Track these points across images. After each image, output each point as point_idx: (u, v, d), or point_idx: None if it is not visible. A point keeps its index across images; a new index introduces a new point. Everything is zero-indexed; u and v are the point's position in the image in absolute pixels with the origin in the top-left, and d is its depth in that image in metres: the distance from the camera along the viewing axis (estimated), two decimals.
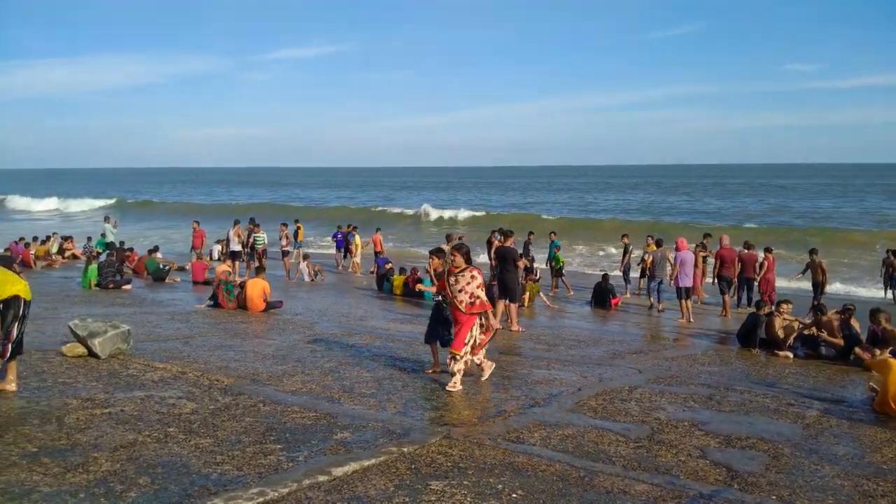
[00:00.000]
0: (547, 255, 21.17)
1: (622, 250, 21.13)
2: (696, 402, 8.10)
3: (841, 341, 11.09)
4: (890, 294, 18.81)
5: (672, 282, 15.91)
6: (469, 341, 8.19)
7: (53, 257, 23.63)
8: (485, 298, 8.22)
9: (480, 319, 8.30)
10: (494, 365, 8.80)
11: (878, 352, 10.13)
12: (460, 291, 8.14)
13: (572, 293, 19.79)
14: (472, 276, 8.15)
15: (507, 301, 12.94)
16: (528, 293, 16.45)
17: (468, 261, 8.30)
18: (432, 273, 9.07)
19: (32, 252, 22.28)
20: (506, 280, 12.97)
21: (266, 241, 22.24)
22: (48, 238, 25.99)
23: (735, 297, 17.80)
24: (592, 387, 8.67)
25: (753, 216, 50.83)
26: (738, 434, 6.89)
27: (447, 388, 8.00)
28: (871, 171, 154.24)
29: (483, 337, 8.44)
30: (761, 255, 17.44)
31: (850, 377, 9.91)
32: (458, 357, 8.12)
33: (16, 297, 7.16)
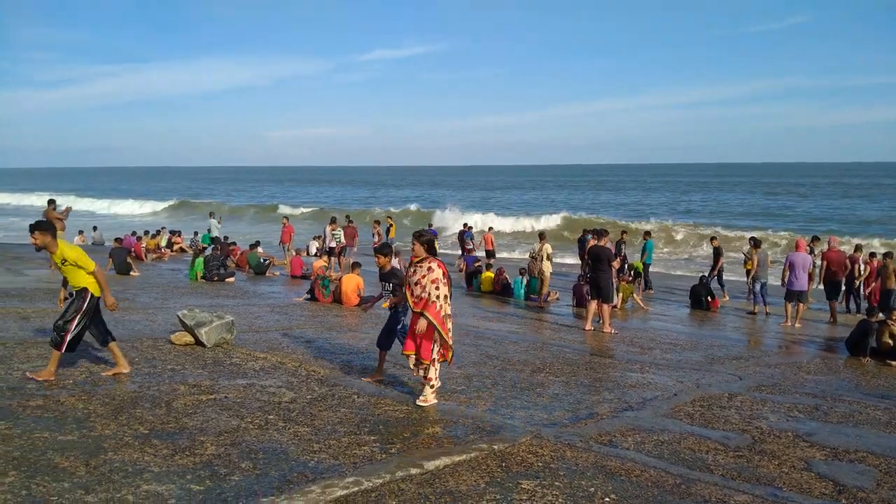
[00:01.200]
0: (643, 255, 20.69)
1: (712, 254, 20.22)
2: (800, 412, 7.72)
3: None
4: None
5: (784, 284, 15.19)
6: (436, 347, 7.13)
7: (163, 250, 25.00)
8: (434, 299, 6.96)
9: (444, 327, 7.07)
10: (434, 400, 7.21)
11: None
12: (416, 284, 7.12)
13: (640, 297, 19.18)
14: (430, 268, 7.09)
15: (601, 301, 12.73)
16: (621, 294, 16.11)
17: (430, 250, 7.24)
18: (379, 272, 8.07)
19: (143, 245, 23.65)
20: (599, 280, 12.76)
21: (342, 239, 22.68)
22: (158, 232, 27.53)
23: (843, 303, 16.84)
24: (689, 392, 8.41)
25: (870, 222, 47.68)
26: (845, 447, 6.52)
27: (417, 401, 7.07)
28: None
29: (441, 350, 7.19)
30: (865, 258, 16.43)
31: None
32: (425, 365, 7.15)
33: (84, 290, 7.15)
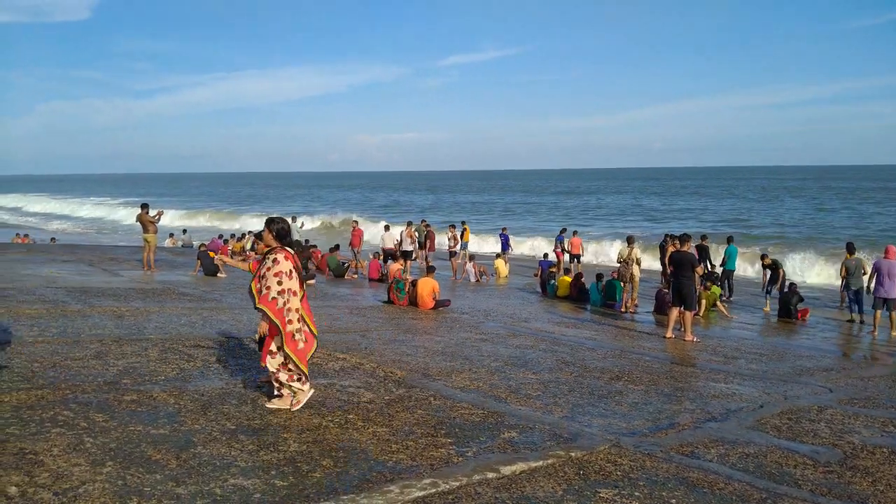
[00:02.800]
0: (724, 261, 20.02)
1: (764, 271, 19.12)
2: None
3: None
4: None
5: (871, 291, 14.50)
6: (277, 350, 6.48)
7: (247, 253, 25.88)
8: (275, 294, 6.28)
9: (299, 325, 6.47)
10: (306, 399, 6.66)
11: None
12: (262, 277, 6.41)
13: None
14: (275, 260, 6.39)
15: (683, 309, 12.41)
16: (704, 302, 15.65)
17: (280, 239, 6.57)
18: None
19: (230, 248, 24.56)
20: (681, 287, 12.44)
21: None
22: (243, 236, 28.53)
23: None
24: (776, 404, 8.09)
25: None
26: None
27: (290, 407, 6.56)
28: None
29: (296, 349, 6.45)
30: None
31: None
32: (273, 373, 6.54)
33: None
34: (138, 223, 19.22)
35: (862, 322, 15.49)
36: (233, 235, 28.03)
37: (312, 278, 18.61)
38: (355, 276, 20.84)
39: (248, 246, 27.09)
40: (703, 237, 20.93)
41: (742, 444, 6.47)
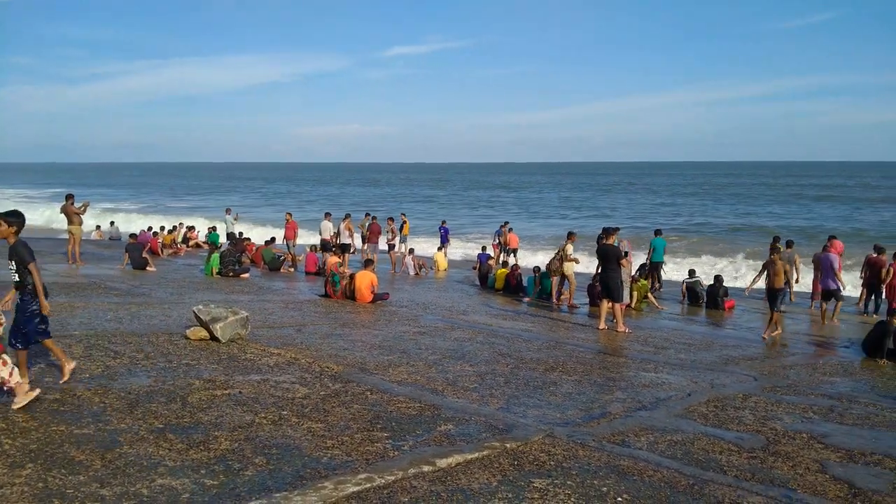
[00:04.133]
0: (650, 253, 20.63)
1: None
2: (815, 414, 7.66)
3: None
4: None
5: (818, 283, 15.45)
6: None
7: (179, 246, 25.18)
8: None
9: None
10: (32, 396, 6.17)
11: None
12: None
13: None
14: None
15: (611, 301, 12.68)
16: (636, 293, 16.04)
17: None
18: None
19: (160, 240, 23.83)
20: (607, 279, 12.69)
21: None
22: (174, 228, 27.73)
23: (863, 304, 16.70)
24: (703, 392, 8.36)
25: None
26: (861, 449, 6.46)
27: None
28: None
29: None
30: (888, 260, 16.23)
31: None
32: None
33: None
34: (62, 214, 18.45)
35: (785, 312, 16.15)
36: (162, 227, 27.19)
37: (246, 272, 18.25)
38: (291, 269, 20.53)
39: (180, 238, 26.37)
40: (658, 231, 21.53)
41: (671, 431, 6.66)
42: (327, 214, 23.39)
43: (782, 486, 5.40)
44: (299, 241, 24.68)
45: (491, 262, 20.67)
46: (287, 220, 23.98)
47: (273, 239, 22.44)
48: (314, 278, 18.52)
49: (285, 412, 6.45)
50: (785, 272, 12.44)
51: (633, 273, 16.78)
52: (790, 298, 13.51)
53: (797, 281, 17.00)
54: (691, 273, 18.20)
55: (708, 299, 16.95)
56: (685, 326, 14.28)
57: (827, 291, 15.30)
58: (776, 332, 12.96)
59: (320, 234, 22.61)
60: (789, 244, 17.12)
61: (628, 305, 15.06)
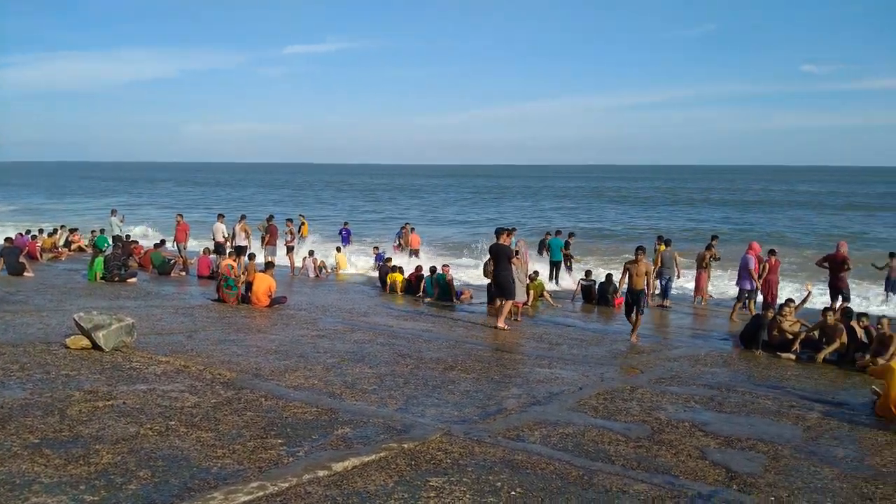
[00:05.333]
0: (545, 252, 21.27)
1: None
2: (697, 403, 8.10)
3: (844, 344, 11.07)
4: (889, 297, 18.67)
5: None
6: None
7: (60, 250, 23.69)
8: None
9: None
10: None
11: (879, 360, 10.08)
12: None
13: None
14: None
15: (503, 298, 12.91)
16: (532, 292, 16.42)
17: None
18: None
19: (39, 244, 22.36)
20: (500, 278, 12.90)
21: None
22: (55, 231, 26.08)
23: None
24: (594, 386, 8.67)
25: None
26: (738, 435, 6.89)
27: None
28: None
29: None
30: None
31: (852, 380, 9.88)
32: None
33: None
34: None
35: (668, 307, 17.00)
36: (41, 230, 25.51)
37: (133, 276, 17.41)
38: (183, 273, 19.73)
39: (62, 242, 24.83)
40: (547, 233, 22.16)
41: (563, 424, 6.87)
42: (220, 216, 22.62)
43: (665, 473, 5.68)
44: (191, 243, 23.77)
45: (390, 262, 20.59)
46: (178, 222, 23.01)
47: (163, 241, 21.53)
48: (207, 282, 17.88)
49: (173, 422, 6.20)
50: (647, 273, 12.40)
51: (529, 273, 17.19)
52: (648, 301, 13.65)
53: (678, 276, 17.90)
54: (587, 274, 18.84)
55: (599, 297, 17.59)
56: (578, 323, 14.76)
57: (742, 290, 16.11)
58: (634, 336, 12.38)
59: (213, 236, 21.86)
60: (667, 243, 17.95)
61: (525, 303, 15.40)
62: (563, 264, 21.18)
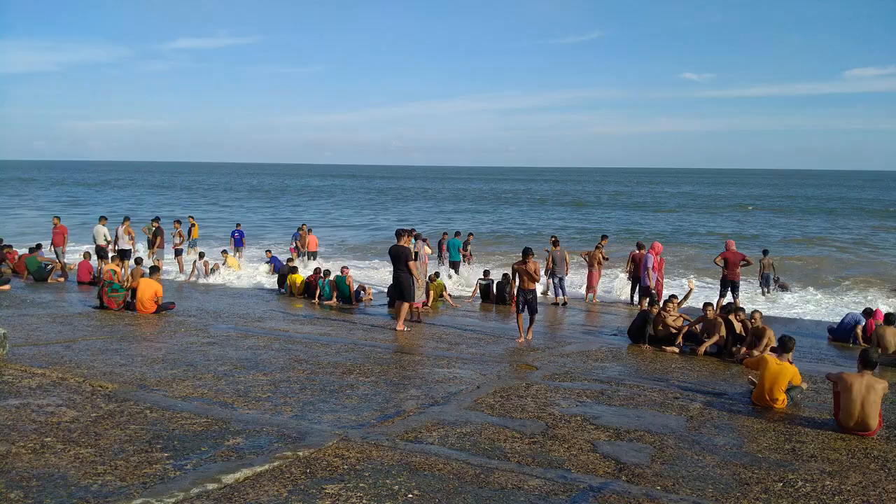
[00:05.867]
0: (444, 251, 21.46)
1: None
2: (588, 397, 8.36)
3: (723, 337, 11.75)
4: (763, 291, 20.04)
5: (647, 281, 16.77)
6: None
7: None
8: None
9: None
10: None
11: (754, 352, 10.77)
12: None
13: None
14: None
15: (402, 300, 12.89)
16: (432, 292, 16.50)
17: None
18: None
19: None
20: (399, 280, 12.92)
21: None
22: None
23: (629, 295, 18.59)
24: (491, 384, 8.79)
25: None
26: (626, 427, 7.17)
27: None
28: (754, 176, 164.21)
29: None
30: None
31: (731, 371, 10.50)
32: None
33: None
34: None
35: (565, 304, 17.52)
36: None
37: (7, 283, 16.19)
38: (61, 279, 18.54)
39: None
40: (445, 234, 22.26)
41: (460, 424, 6.92)
42: (102, 218, 21.43)
43: (558, 468, 5.82)
44: (70, 247, 22.39)
45: (292, 263, 20.14)
46: (55, 225, 21.60)
47: (39, 245, 20.13)
48: (88, 288, 16.88)
49: (49, 439, 5.80)
50: (533, 273, 12.44)
51: (429, 274, 17.27)
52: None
53: (566, 273, 18.50)
54: (485, 273, 19.12)
55: (497, 296, 17.90)
56: (477, 323, 14.95)
57: (644, 287, 16.74)
58: (522, 337, 12.39)
59: (94, 239, 20.67)
60: (556, 243, 18.51)
61: (425, 304, 15.46)
62: (461, 264, 21.43)
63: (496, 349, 11.40)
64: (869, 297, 20.13)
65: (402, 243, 13.06)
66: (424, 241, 16.20)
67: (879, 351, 11.15)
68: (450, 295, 17.75)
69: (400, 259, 12.91)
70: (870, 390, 7.32)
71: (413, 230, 14.45)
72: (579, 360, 10.76)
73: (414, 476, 5.38)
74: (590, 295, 18.70)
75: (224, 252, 22.53)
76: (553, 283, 18.06)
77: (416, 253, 13.85)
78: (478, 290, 18.52)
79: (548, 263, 18.17)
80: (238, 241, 25.00)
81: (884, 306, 16.70)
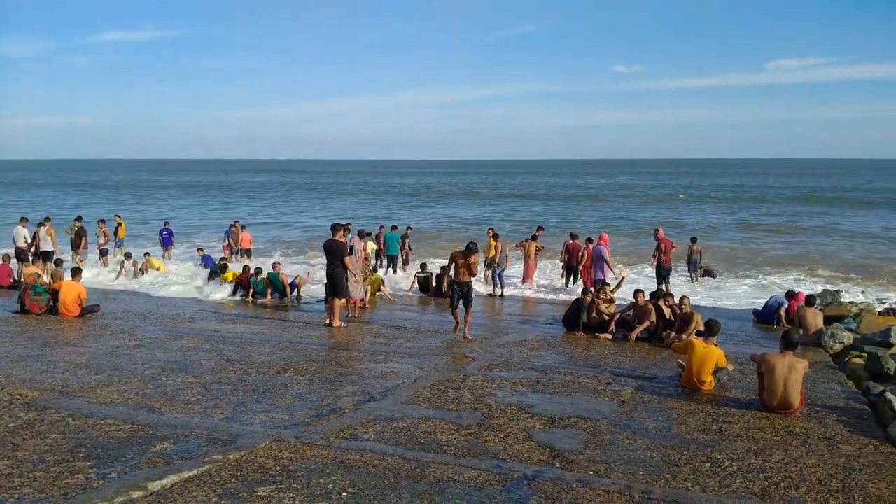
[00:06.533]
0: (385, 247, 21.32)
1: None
2: (524, 386, 8.44)
3: (653, 323, 12.05)
4: (693, 277, 20.66)
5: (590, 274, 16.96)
6: None
7: None
8: None
9: None
10: None
11: (683, 336, 11.08)
12: None
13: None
14: None
15: (335, 296, 12.71)
16: (369, 287, 16.37)
17: None
18: None
19: None
20: (332, 275, 12.70)
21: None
22: None
23: (564, 283, 18.88)
24: (428, 377, 8.78)
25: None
26: (561, 414, 7.27)
27: None
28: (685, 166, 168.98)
29: None
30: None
31: (662, 356, 10.77)
32: None
33: None
34: None
35: (502, 296, 17.64)
36: None
37: None
38: None
39: None
40: (381, 227, 22.09)
41: (397, 419, 6.89)
42: (23, 219, 20.48)
43: (494, 458, 5.85)
44: None
45: (224, 261, 19.67)
46: None
47: None
48: (7, 293, 16.10)
49: None
50: (474, 264, 12.37)
51: (370, 269, 17.15)
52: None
53: (507, 267, 18.66)
54: (422, 266, 19.10)
55: (437, 289, 17.90)
56: (415, 316, 14.92)
57: (597, 280, 16.93)
58: (458, 328, 12.12)
59: (14, 241, 19.74)
60: (496, 237, 18.64)
61: (363, 299, 15.34)
62: (399, 258, 21.34)
63: (434, 342, 11.39)
64: (791, 280, 21.02)
65: (337, 238, 12.86)
66: (371, 237, 15.99)
67: (801, 332, 11.64)
68: (387, 289, 17.64)
69: (334, 254, 12.72)
70: (791, 370, 7.62)
71: (349, 225, 14.27)
72: (516, 350, 10.86)
73: (349, 474, 5.31)
74: (527, 285, 18.90)
75: (146, 254, 21.81)
76: (491, 275, 18.18)
77: (352, 248, 13.69)
78: (416, 284, 18.48)
79: (486, 255, 18.29)
80: (167, 240, 24.25)
81: (805, 289, 17.46)
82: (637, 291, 12.89)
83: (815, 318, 12.35)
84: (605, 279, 16.65)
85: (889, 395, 7.61)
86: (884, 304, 16.67)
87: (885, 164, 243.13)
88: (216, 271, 18.16)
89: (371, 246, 16.21)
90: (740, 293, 18.96)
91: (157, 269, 20.81)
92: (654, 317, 12.07)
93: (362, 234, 16.26)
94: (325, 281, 13.14)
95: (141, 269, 20.02)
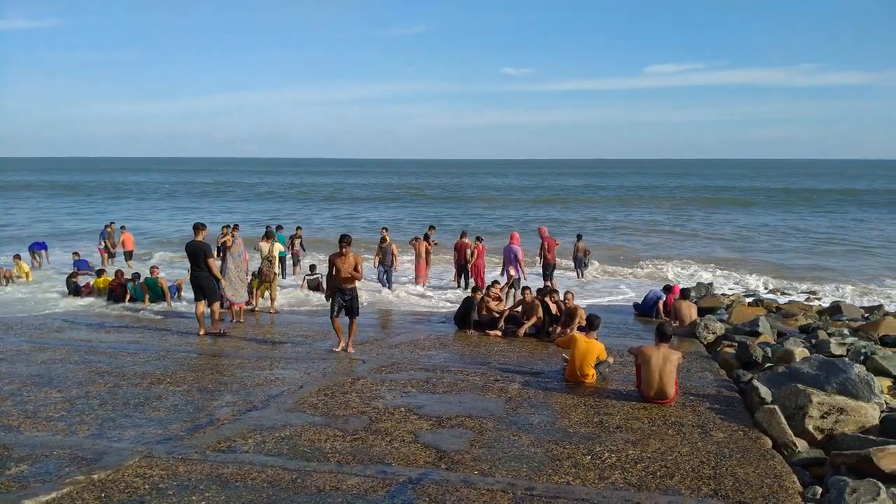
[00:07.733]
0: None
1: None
2: (413, 387, 8.38)
3: (541, 318, 12.30)
4: (579, 273, 21.35)
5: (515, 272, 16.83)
6: None
7: None
8: None
9: None
10: None
11: (567, 331, 11.37)
12: None
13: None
14: None
15: (207, 301, 11.91)
16: (256, 291, 15.81)
17: None
18: None
19: None
20: (199, 279, 11.85)
21: None
22: None
23: (456, 282, 19.01)
24: (315, 382, 8.56)
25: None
26: (448, 414, 7.25)
27: None
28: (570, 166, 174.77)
29: None
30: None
31: (548, 351, 11.01)
32: None
33: None
34: None
35: (394, 295, 17.55)
36: None
37: None
38: None
39: None
40: (279, 227, 21.36)
41: (279, 428, 6.65)
42: None
43: (379, 463, 5.75)
44: None
45: (101, 267, 18.47)
46: None
47: None
48: None
49: None
50: (357, 264, 11.37)
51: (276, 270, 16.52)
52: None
53: (396, 265, 18.56)
54: (311, 268, 18.70)
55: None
56: (304, 319, 14.55)
57: (516, 279, 16.96)
58: (341, 344, 10.84)
59: None
60: (383, 239, 18.48)
61: (248, 303, 14.81)
62: (286, 259, 20.79)
63: (323, 346, 11.12)
64: (668, 274, 22.13)
65: (199, 238, 11.90)
66: (270, 239, 15.21)
67: (676, 323, 12.21)
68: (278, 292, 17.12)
69: (198, 256, 11.77)
70: (666, 361, 7.94)
71: (236, 226, 13.64)
72: (407, 351, 10.78)
73: (224, 489, 5.06)
74: (419, 284, 18.89)
75: (16, 257, 20.23)
76: (380, 274, 18.05)
77: (229, 249, 13.02)
78: (306, 286, 18.07)
79: (377, 254, 18.15)
80: (41, 245, 22.60)
81: (681, 282, 18.41)
82: (524, 288, 13.13)
83: (689, 310, 12.98)
84: (519, 277, 16.92)
85: (756, 383, 8.08)
86: (752, 295, 17.84)
87: (742, 163, 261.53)
88: (74, 288, 16.90)
89: (278, 247, 15.51)
90: (623, 288, 19.76)
91: (26, 277, 19.36)
92: (541, 312, 12.33)
93: (269, 235, 15.45)
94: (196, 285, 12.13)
95: (5, 277, 18.53)
